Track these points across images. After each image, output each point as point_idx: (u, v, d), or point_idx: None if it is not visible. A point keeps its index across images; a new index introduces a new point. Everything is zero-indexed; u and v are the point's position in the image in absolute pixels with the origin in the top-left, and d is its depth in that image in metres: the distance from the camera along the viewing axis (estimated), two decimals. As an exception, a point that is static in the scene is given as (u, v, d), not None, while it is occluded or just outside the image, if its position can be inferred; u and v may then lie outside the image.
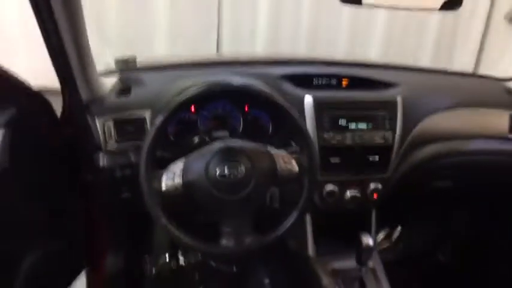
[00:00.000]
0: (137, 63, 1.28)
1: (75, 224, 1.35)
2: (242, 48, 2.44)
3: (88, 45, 1.09)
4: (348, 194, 1.28)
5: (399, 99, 1.29)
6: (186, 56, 1.66)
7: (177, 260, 1.83)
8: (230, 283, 1.75)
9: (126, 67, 1.28)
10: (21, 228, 1.12)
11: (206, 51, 2.38)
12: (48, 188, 1.17)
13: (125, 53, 1.29)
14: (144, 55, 1.40)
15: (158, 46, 2.29)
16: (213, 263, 1.82)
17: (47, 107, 1.17)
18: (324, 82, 1.34)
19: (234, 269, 1.81)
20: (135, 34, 2.22)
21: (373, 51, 2.54)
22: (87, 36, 1.07)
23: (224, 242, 0.95)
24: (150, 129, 0.93)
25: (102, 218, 1.39)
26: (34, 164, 1.10)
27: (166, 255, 1.82)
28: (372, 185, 1.29)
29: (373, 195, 1.30)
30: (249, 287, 1.73)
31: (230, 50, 2.40)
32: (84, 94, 1.11)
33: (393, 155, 1.28)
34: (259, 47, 2.44)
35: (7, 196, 1.02)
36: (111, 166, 1.11)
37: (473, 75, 1.94)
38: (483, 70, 2.60)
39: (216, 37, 2.38)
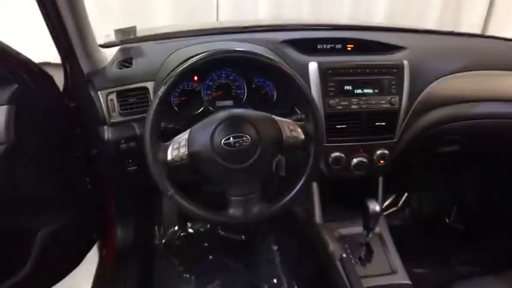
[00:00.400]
0: (137, 33, 1.26)
1: (85, 198, 1.37)
2: (242, 16, 2.38)
3: (87, 16, 1.07)
4: (355, 160, 1.27)
5: (406, 63, 1.26)
6: (186, 25, 1.62)
7: (186, 229, 1.87)
8: (239, 251, 1.78)
9: (127, 38, 1.26)
10: (31, 202, 1.13)
11: (206, 19, 2.33)
12: (55, 162, 1.18)
13: (125, 23, 1.27)
14: (144, 25, 1.38)
15: (157, 16, 2.24)
16: (221, 232, 1.86)
17: (50, 81, 1.16)
18: (328, 47, 1.31)
19: (243, 237, 1.84)
20: (134, 4, 2.17)
21: (377, 14, 2.47)
22: (85, 7, 1.04)
23: (232, 210, 0.96)
24: (153, 100, 0.92)
25: (110, 191, 1.40)
26: (39, 139, 1.11)
27: (176, 225, 1.86)
28: (379, 151, 1.28)
29: (379, 161, 1.29)
30: (257, 255, 1.76)
31: (230, 17, 2.34)
32: (85, 66, 1.10)
33: (400, 120, 1.27)
34: (260, 14, 2.38)
35: (15, 171, 1.03)
36: (115, 139, 1.12)
37: (482, 36, 1.89)
38: (492, 31, 2.53)
39: (215, 5, 2.32)
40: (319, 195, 1.37)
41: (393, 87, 1.25)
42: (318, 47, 1.31)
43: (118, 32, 1.25)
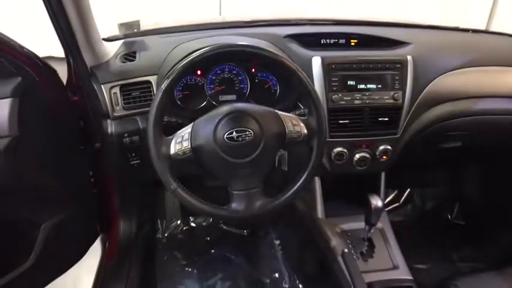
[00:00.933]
0: (141, 27, 1.26)
1: (88, 191, 1.37)
2: (245, 11, 2.38)
3: (90, 10, 1.06)
4: (357, 155, 1.27)
5: (410, 58, 1.25)
6: (190, 20, 1.62)
7: (188, 223, 1.87)
8: (241, 245, 1.79)
9: (130, 31, 1.25)
10: (34, 195, 1.14)
11: (209, 14, 2.33)
12: (58, 156, 1.18)
13: (128, 17, 1.27)
14: (147, 19, 1.37)
15: (160, 11, 2.24)
16: (223, 226, 1.86)
17: (53, 75, 1.16)
18: (332, 42, 1.30)
19: (245, 231, 1.85)
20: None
21: (381, 10, 2.47)
22: (88, 1, 1.04)
23: (234, 205, 0.96)
24: (157, 93, 0.92)
25: (113, 184, 1.41)
26: (43, 132, 1.11)
27: (178, 219, 1.86)
28: (381, 147, 1.28)
29: (382, 157, 1.29)
30: (259, 249, 1.77)
31: (233, 12, 2.34)
32: (88, 60, 1.10)
33: (403, 116, 1.27)
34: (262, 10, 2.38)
35: (18, 164, 1.03)
36: (119, 132, 1.12)
37: (486, 31, 1.87)
38: (496, 26, 2.52)
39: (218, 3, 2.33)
40: (321, 190, 1.37)
41: (396, 82, 1.24)
42: (322, 41, 1.30)
43: (121, 25, 1.25)
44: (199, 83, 1.21)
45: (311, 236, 1.37)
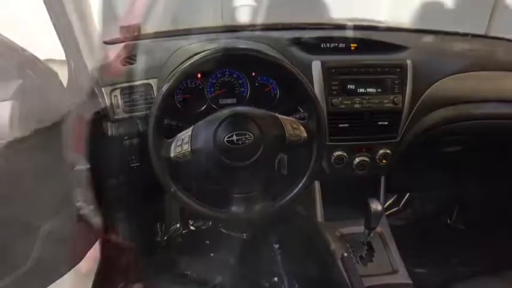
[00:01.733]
0: (142, 31, 1.26)
1: (87, 194, 1.37)
2: (246, 15, 2.39)
3: (91, 13, 1.07)
4: (357, 159, 1.28)
5: (409, 63, 1.26)
6: (190, 23, 1.63)
7: (188, 226, 1.87)
8: (240, 249, 1.78)
9: (131, 35, 1.26)
10: (33, 198, 1.14)
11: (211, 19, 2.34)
12: (58, 158, 1.18)
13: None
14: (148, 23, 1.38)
15: (162, 15, 2.25)
16: (223, 230, 1.86)
17: (54, 77, 1.16)
18: (332, 46, 1.31)
19: (244, 235, 1.85)
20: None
21: (381, 15, 2.47)
22: (90, 4, 1.05)
23: (234, 208, 0.96)
24: (157, 97, 0.92)
25: (112, 187, 1.41)
26: (43, 135, 1.11)
27: (177, 222, 1.86)
28: (381, 151, 1.29)
29: (382, 161, 1.29)
30: (259, 253, 1.77)
31: (235, 16, 2.35)
32: (89, 63, 1.10)
33: (403, 120, 1.27)
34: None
35: (18, 167, 1.03)
36: (119, 135, 1.12)
37: (485, 36, 1.88)
38: (496, 31, 2.52)
39: (220, 7, 2.34)
40: (320, 194, 1.37)
41: (396, 86, 1.25)
42: (322, 46, 1.31)
43: (122, 29, 1.25)
44: (200, 87, 1.21)
45: (310, 240, 1.37)
